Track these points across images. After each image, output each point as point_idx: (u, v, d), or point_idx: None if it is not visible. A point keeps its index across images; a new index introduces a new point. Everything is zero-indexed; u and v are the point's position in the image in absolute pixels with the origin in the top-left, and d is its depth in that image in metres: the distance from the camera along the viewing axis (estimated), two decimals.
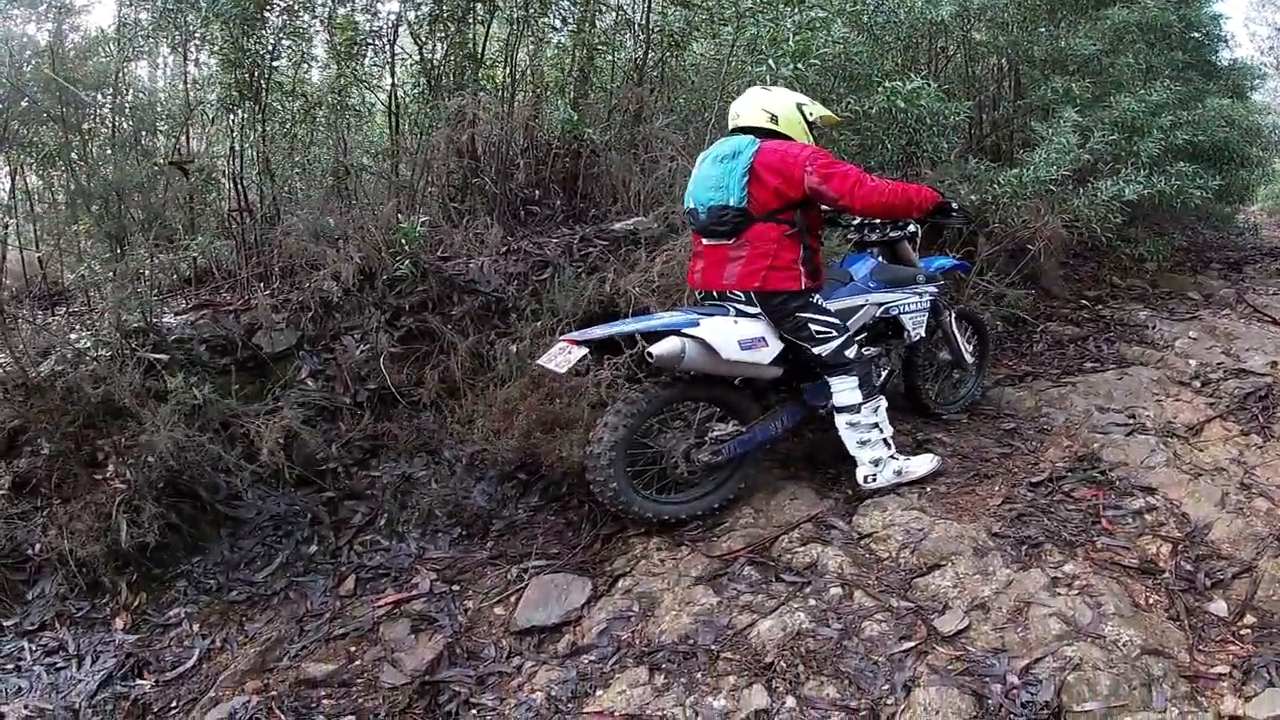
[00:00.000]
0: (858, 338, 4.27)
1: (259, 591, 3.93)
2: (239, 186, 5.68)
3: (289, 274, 5.09)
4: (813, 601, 3.32)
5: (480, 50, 6.32)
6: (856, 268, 4.61)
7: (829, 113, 4.25)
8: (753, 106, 4.05)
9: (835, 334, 4.05)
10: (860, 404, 4.09)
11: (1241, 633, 3.11)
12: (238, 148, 5.76)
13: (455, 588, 3.88)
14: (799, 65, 5.41)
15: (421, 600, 3.79)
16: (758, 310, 4.00)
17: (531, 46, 6.62)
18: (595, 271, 5.21)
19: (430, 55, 6.20)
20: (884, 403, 4.24)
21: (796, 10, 5.69)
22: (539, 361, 3.91)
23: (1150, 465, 4.34)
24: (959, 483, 4.27)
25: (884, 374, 4.64)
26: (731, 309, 4.02)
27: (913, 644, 3.03)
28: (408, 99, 6.44)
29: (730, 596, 3.43)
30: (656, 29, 6.62)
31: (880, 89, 5.97)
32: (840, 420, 4.15)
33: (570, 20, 6.60)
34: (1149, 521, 3.86)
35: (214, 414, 4.16)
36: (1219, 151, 8.07)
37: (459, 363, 4.74)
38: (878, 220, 4.66)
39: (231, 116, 5.80)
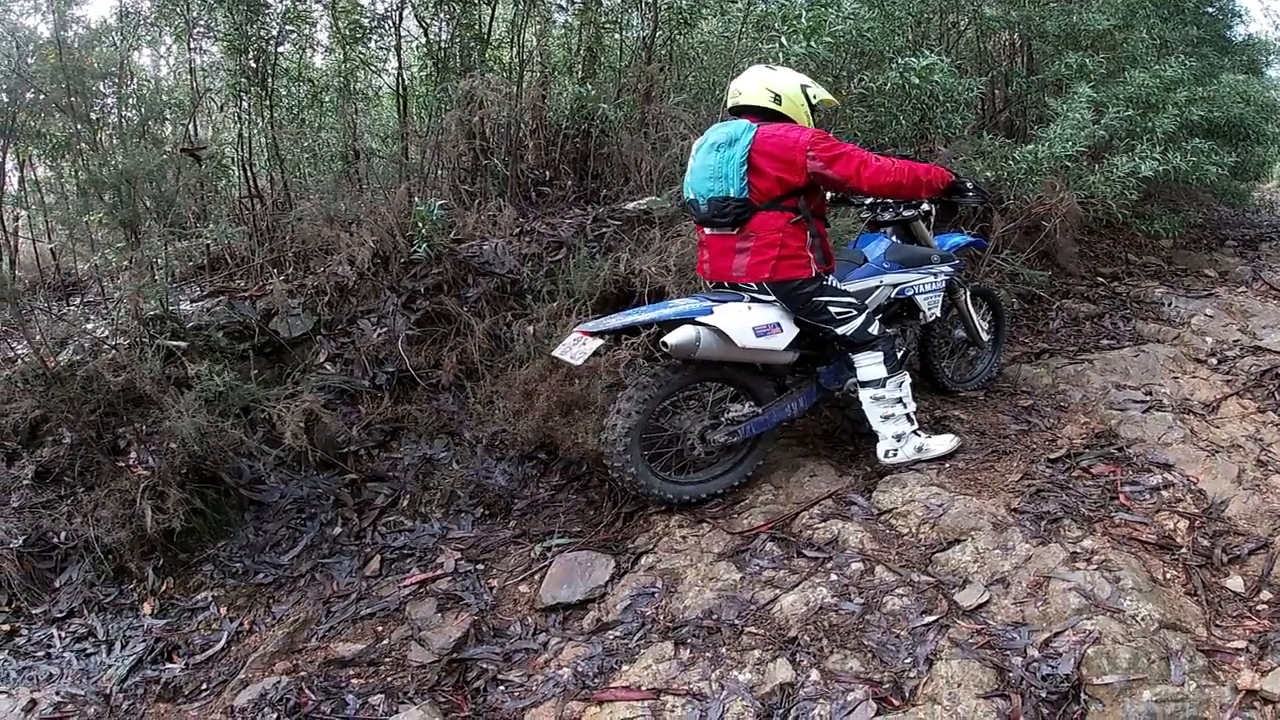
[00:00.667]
0: (877, 316, 4.24)
1: (285, 574, 3.97)
2: (249, 173, 5.69)
3: (303, 259, 5.12)
4: (834, 576, 3.34)
5: (487, 31, 6.30)
6: (870, 248, 4.58)
7: (829, 96, 4.14)
8: (756, 84, 3.93)
9: (856, 313, 4.04)
10: (885, 378, 4.09)
11: (1258, 608, 3.12)
12: (246, 134, 5.76)
13: (480, 567, 3.91)
14: (811, 43, 5.37)
15: (447, 579, 3.82)
16: (772, 298, 3.98)
17: (538, 26, 6.59)
18: (610, 251, 5.23)
19: (436, 37, 6.17)
20: (908, 378, 4.24)
21: None
22: (554, 353, 3.89)
23: (1167, 442, 4.35)
24: (978, 459, 4.27)
25: (901, 353, 4.58)
26: (745, 295, 4.00)
27: (934, 618, 3.04)
28: (415, 81, 6.43)
29: (753, 572, 3.45)
30: (664, 6, 6.57)
31: (893, 65, 5.95)
32: (864, 395, 4.15)
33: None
34: (1166, 498, 3.87)
35: (235, 399, 4.19)
36: (1234, 128, 8.04)
37: (476, 345, 4.76)
38: (890, 200, 4.60)
39: (238, 103, 5.80)
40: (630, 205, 5.66)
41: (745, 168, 3.74)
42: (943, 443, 4.27)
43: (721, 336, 3.76)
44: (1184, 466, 4.10)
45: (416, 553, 4.07)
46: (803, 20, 5.42)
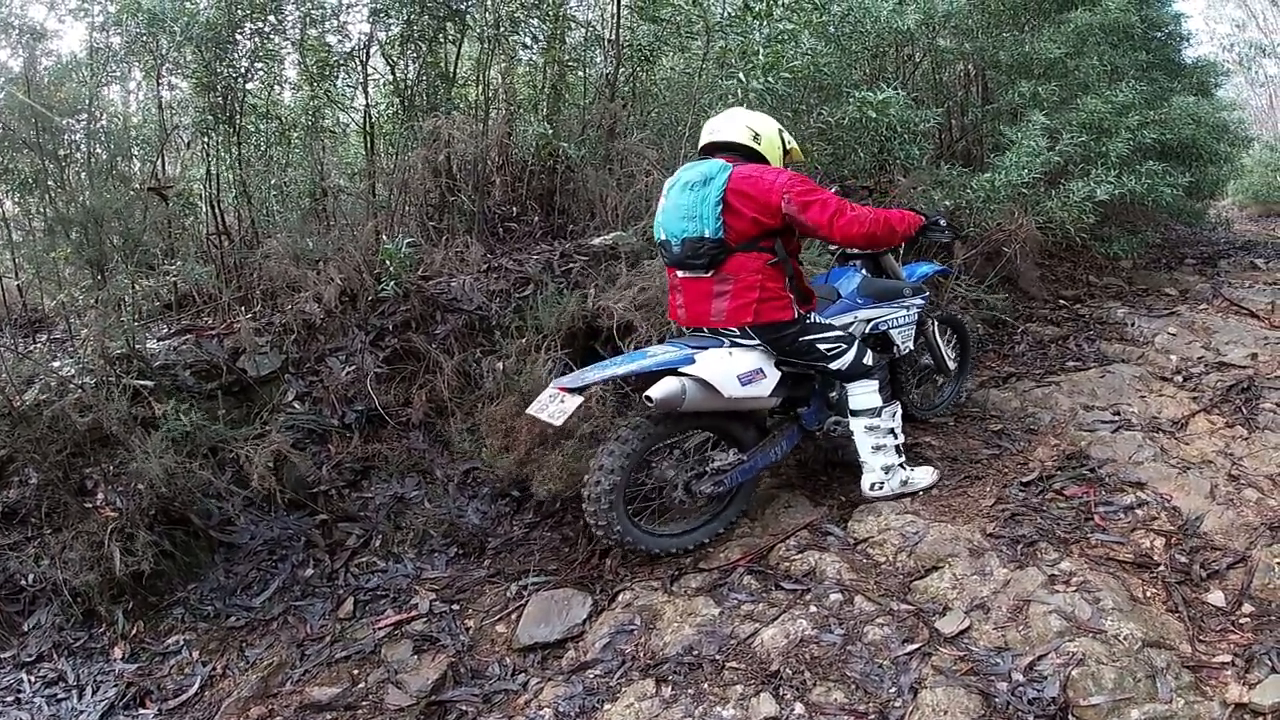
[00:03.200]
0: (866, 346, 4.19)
1: (257, 617, 3.88)
2: (216, 210, 5.64)
3: (270, 297, 5.06)
4: (814, 608, 3.31)
5: (452, 69, 6.32)
6: (842, 283, 4.53)
7: (798, 148, 4.10)
8: (735, 123, 3.87)
9: (846, 346, 3.99)
10: (881, 408, 4.07)
11: (1240, 622, 3.13)
12: (214, 171, 5.72)
13: (455, 607, 3.85)
14: (769, 78, 5.44)
15: (422, 620, 3.76)
16: (753, 342, 3.87)
17: (503, 65, 6.61)
18: (577, 287, 5.21)
19: (403, 75, 6.18)
20: (899, 408, 4.23)
21: (765, 23, 5.72)
22: (530, 411, 3.70)
23: (1138, 461, 4.38)
24: (951, 485, 4.28)
25: None
26: (725, 340, 3.90)
27: (916, 646, 3.03)
28: (382, 119, 6.42)
29: (731, 606, 3.42)
30: (626, 44, 6.63)
31: (850, 99, 6.03)
32: (857, 424, 4.09)
33: (540, 38, 6.59)
34: (1141, 516, 3.89)
35: (202, 440, 4.12)
36: (1187, 149, 8.21)
37: (445, 382, 4.72)
38: None
39: (206, 140, 5.76)
40: (596, 241, 5.66)
41: (720, 207, 3.62)
42: (925, 475, 4.25)
43: (707, 387, 3.64)
44: (1156, 484, 4.12)
45: (390, 593, 3.99)
46: (761, 56, 5.48)
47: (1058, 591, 3.22)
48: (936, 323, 5.14)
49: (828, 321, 4.06)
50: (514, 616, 3.70)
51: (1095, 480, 4.23)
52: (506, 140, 6.09)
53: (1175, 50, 9.99)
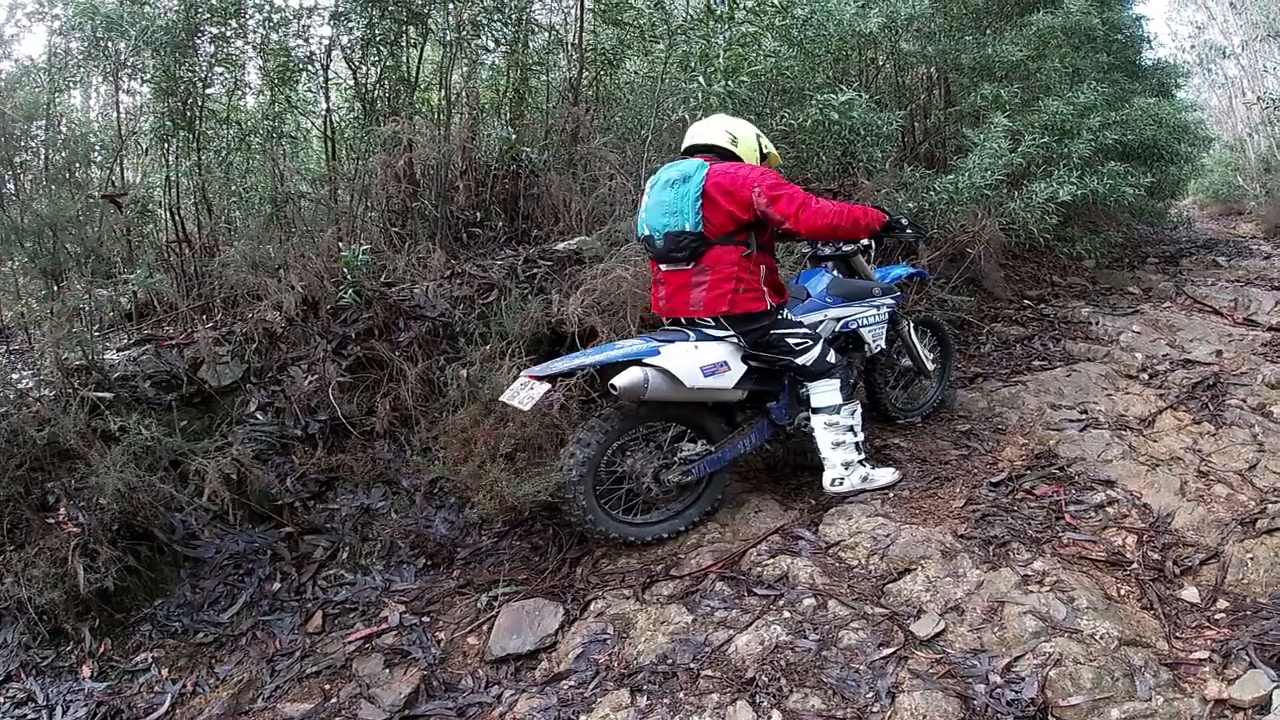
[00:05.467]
0: (831, 344, 4.30)
1: (226, 632, 3.78)
2: (176, 217, 5.51)
3: (231, 305, 4.95)
4: (787, 614, 3.27)
5: (415, 73, 6.24)
6: (812, 283, 4.64)
7: (776, 152, 4.30)
8: (715, 127, 4.09)
9: (812, 342, 4.11)
10: (840, 405, 4.12)
11: (1216, 617, 3.13)
12: (173, 178, 5.59)
13: (425, 619, 3.77)
14: (729, 81, 5.43)
15: (392, 634, 3.68)
16: (726, 333, 4.02)
17: (465, 69, 6.55)
18: (541, 292, 5.16)
19: (364, 80, 6.10)
20: (859, 407, 4.27)
21: (727, 27, 5.71)
22: (502, 399, 3.83)
23: (1107, 459, 4.39)
24: (920, 487, 4.27)
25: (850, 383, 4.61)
26: (691, 334, 4.03)
27: (892, 650, 3.00)
28: (343, 124, 6.35)
29: (704, 613, 3.37)
30: (590, 48, 6.60)
31: (813, 102, 6.02)
32: (818, 421, 4.16)
33: (503, 42, 6.56)
34: (1112, 514, 3.89)
35: (163, 452, 4.01)
36: (1148, 149, 8.30)
37: (410, 390, 4.63)
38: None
39: (166, 146, 5.63)
40: (560, 246, 5.61)
41: (700, 203, 3.81)
42: (886, 475, 4.29)
43: (670, 377, 3.76)
44: (1126, 482, 4.14)
45: (359, 606, 3.91)
46: (722, 59, 5.47)
47: (1032, 592, 3.21)
48: (912, 323, 5.16)
49: (798, 319, 4.19)
50: (485, 628, 3.63)
51: (1065, 479, 4.24)
52: (469, 145, 6.02)
53: (1136, 52, 10.14)
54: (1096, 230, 8.52)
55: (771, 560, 3.67)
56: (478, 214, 6.14)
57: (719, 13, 5.77)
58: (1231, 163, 16.81)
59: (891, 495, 4.16)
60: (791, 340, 4.06)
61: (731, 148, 4.03)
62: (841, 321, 4.58)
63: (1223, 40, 18.41)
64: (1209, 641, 2.98)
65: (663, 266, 4.05)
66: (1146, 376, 5.59)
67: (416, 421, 4.62)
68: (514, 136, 5.84)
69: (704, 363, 3.88)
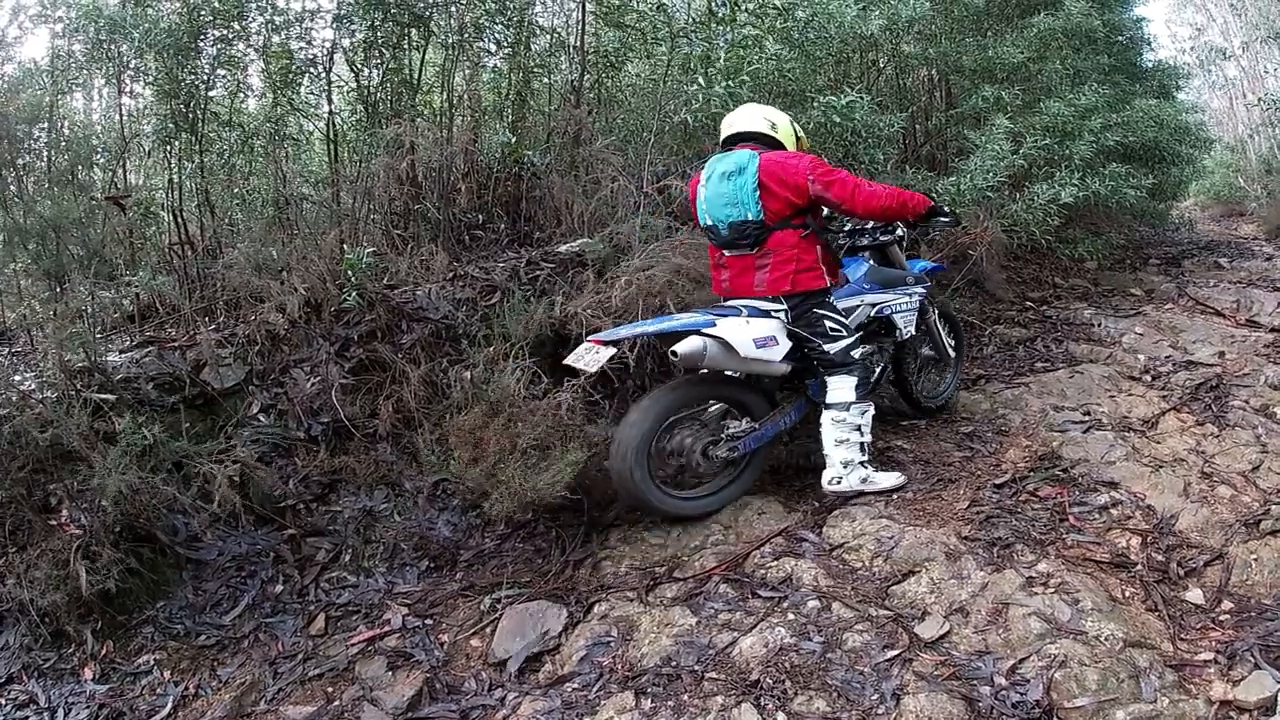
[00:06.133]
0: (860, 341, 4.43)
1: (228, 635, 3.77)
2: (179, 219, 5.51)
3: (234, 307, 4.95)
4: (791, 616, 3.26)
5: (417, 76, 6.24)
6: (852, 270, 4.78)
7: (806, 138, 4.57)
8: (752, 116, 4.30)
9: (845, 333, 4.29)
10: (851, 403, 4.19)
11: (1221, 619, 3.12)
12: (176, 180, 5.59)
13: (428, 621, 3.76)
14: (730, 82, 5.45)
15: (395, 636, 3.66)
16: (777, 307, 4.22)
17: (468, 71, 6.55)
18: (544, 295, 5.15)
19: (367, 82, 6.10)
20: (872, 409, 4.33)
21: (729, 29, 5.71)
22: (567, 361, 4.06)
23: (1110, 460, 4.39)
24: (924, 489, 4.27)
25: (878, 370, 4.82)
26: (742, 310, 4.23)
27: (896, 652, 2.99)
28: (346, 127, 6.34)
29: (708, 616, 3.36)
30: (591, 50, 6.60)
31: (815, 104, 6.03)
32: (826, 416, 4.25)
33: (505, 44, 6.55)
34: (1115, 516, 3.88)
35: (166, 454, 4.00)
36: (1149, 151, 8.30)
37: (412, 392, 4.63)
38: (868, 225, 4.92)
39: (168, 148, 5.63)
40: (563, 248, 5.61)
41: (758, 192, 4.05)
42: (888, 478, 4.29)
43: (726, 347, 3.97)
44: (1130, 483, 4.13)
45: (362, 609, 3.90)
46: (723, 61, 5.47)
47: (1036, 593, 3.20)
48: (937, 312, 5.32)
49: (840, 307, 4.40)
50: (488, 630, 3.62)
51: (1068, 480, 4.23)
52: (472, 147, 6.02)
53: (1137, 54, 10.15)
54: (1098, 232, 8.52)
55: (775, 562, 3.67)
56: (480, 216, 6.14)
57: (721, 15, 5.76)
58: (1232, 164, 16.81)
59: (895, 497, 4.15)
60: (828, 323, 4.24)
61: (773, 133, 4.24)
62: (877, 307, 4.77)
63: (1223, 42, 18.44)
64: (1214, 643, 2.97)
65: (726, 252, 4.31)
66: (1149, 378, 5.59)
67: (419, 424, 4.61)
68: (516, 139, 5.84)
69: (756, 335, 4.09)
